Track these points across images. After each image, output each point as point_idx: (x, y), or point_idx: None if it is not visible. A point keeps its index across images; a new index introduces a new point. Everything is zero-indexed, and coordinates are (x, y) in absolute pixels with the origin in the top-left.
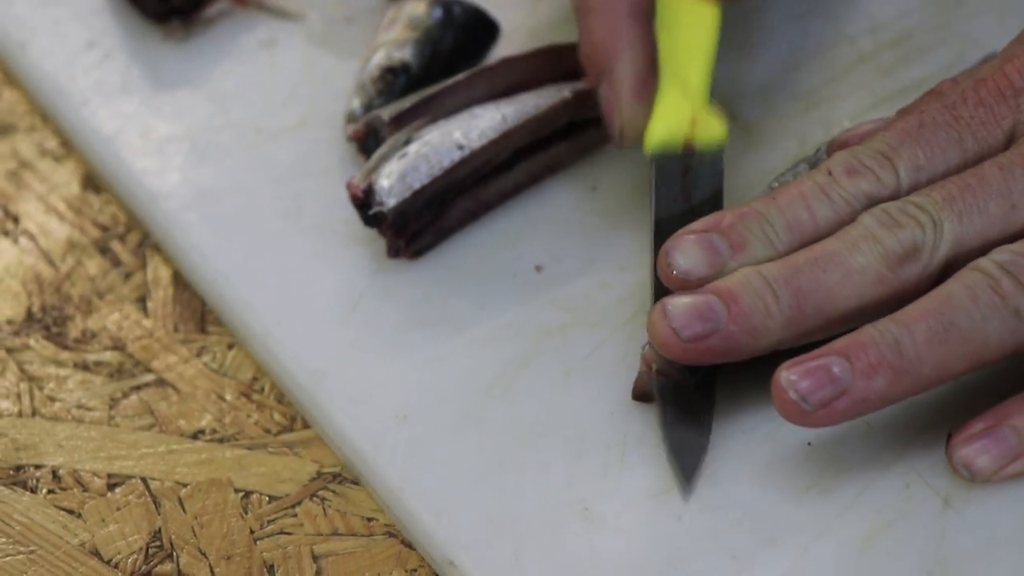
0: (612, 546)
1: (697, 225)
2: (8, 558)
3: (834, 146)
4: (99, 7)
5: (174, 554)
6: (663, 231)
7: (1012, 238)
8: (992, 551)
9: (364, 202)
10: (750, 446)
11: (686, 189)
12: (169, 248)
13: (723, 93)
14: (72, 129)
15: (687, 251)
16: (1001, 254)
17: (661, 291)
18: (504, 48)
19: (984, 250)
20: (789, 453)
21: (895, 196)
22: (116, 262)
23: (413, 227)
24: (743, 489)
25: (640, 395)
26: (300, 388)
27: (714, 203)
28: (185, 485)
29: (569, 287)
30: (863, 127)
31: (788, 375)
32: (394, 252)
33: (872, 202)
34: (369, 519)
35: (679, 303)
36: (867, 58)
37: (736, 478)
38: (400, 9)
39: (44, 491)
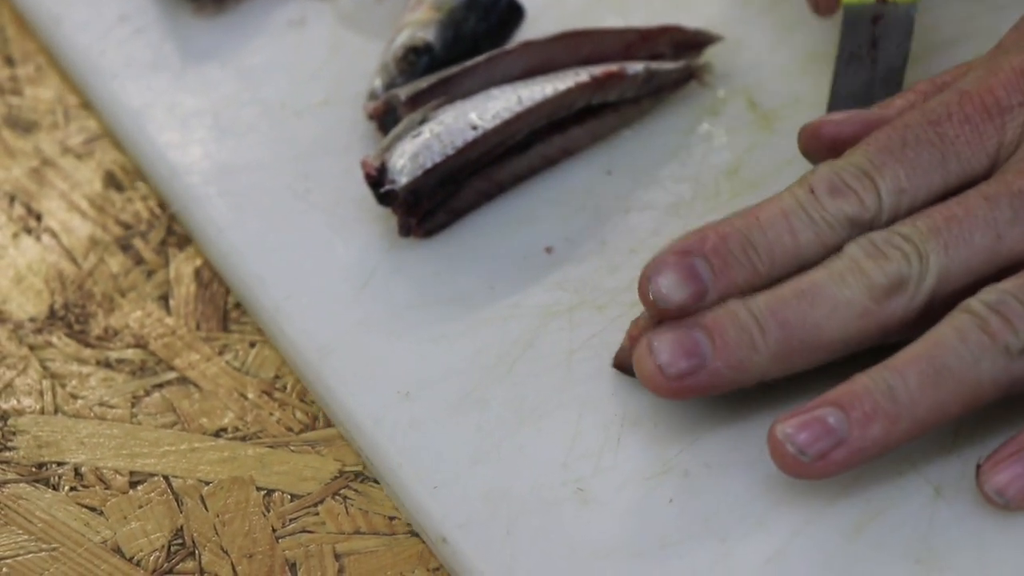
0: (604, 526)
1: (679, 245)
2: (30, 555)
3: (806, 134)
4: None
5: (196, 552)
6: (842, 76)
7: (997, 269)
8: (981, 542)
9: (377, 180)
10: (743, 431)
11: (873, 37)
12: (187, 222)
13: (744, 81)
14: (100, 102)
15: (668, 278)
16: (989, 294)
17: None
18: (530, 31)
19: (969, 281)
20: None
21: (876, 219)
22: (138, 260)
23: (425, 206)
24: (735, 473)
25: (620, 366)
26: (306, 363)
27: (899, 54)
28: (207, 483)
29: (579, 269)
30: (836, 117)
31: (784, 428)
32: (405, 231)
33: (854, 225)
34: (391, 518)
35: (664, 339)
36: None
37: (728, 463)
38: None
39: (66, 488)
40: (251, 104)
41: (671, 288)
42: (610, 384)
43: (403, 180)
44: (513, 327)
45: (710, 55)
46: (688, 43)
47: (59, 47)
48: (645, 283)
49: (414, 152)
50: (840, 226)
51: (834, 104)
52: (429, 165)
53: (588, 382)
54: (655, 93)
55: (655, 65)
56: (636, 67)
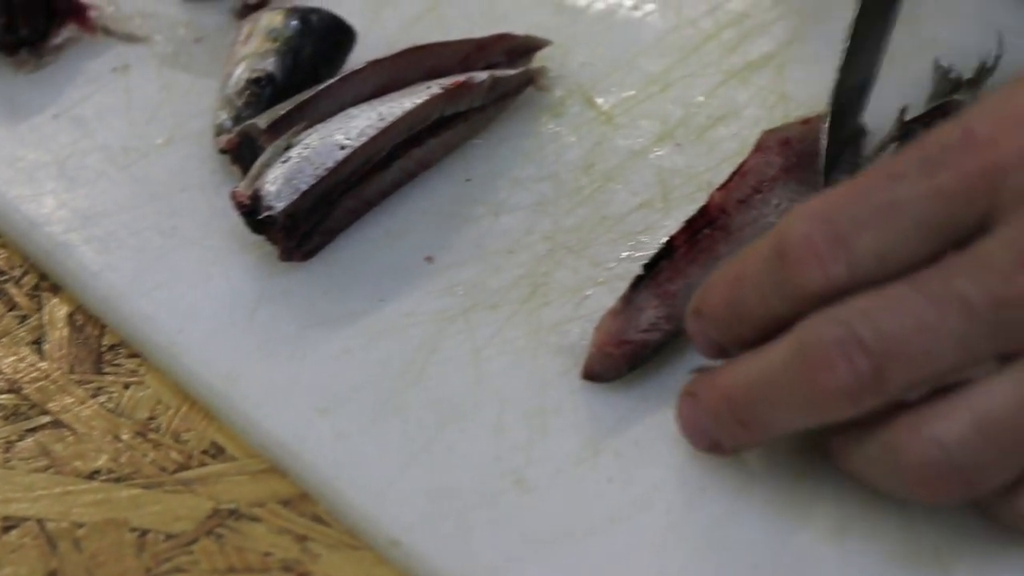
0: (551, 511)
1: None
2: None
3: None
4: None
5: None
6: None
7: None
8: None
9: (252, 209)
10: (664, 406)
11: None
12: (58, 273)
13: (578, 81)
14: None
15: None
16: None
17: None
18: (358, 53)
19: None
20: None
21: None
22: (11, 305)
23: (302, 229)
24: (665, 447)
25: (590, 375)
26: (213, 392)
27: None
28: (81, 525)
29: (463, 274)
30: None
31: None
32: (287, 255)
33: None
34: (266, 554)
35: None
36: (710, 37)
37: (656, 438)
38: (256, 23)
39: None
40: (94, 152)
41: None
42: (522, 378)
43: (280, 205)
44: (413, 335)
45: (542, 59)
46: (520, 49)
47: None
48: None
49: (287, 176)
50: (804, 300)
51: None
52: (304, 187)
53: (500, 378)
54: (499, 100)
55: (499, 73)
56: (482, 76)
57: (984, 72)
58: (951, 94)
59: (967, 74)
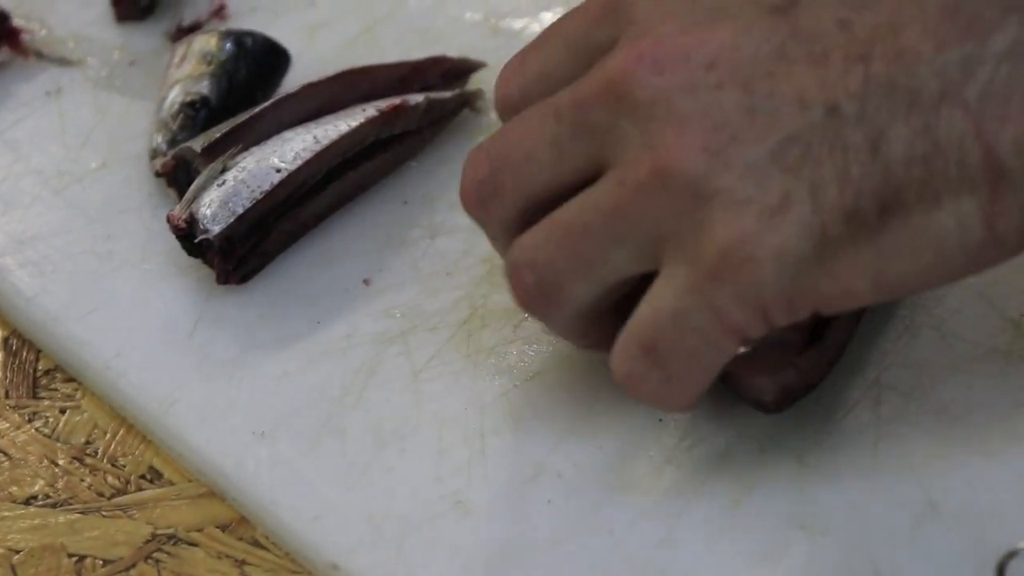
0: (492, 533)
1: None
2: None
3: None
4: None
5: None
6: None
7: None
8: (852, 502)
9: (188, 232)
10: (603, 428)
11: None
12: None
13: None
14: None
15: None
16: None
17: None
18: (293, 76)
19: None
20: (641, 431)
21: None
22: None
23: (239, 252)
24: (605, 468)
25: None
26: (150, 416)
27: None
28: (18, 551)
29: (401, 296)
30: None
31: None
32: (223, 278)
33: None
34: None
35: None
36: None
37: (596, 460)
38: (190, 45)
39: None
40: (28, 175)
41: None
42: (462, 400)
43: (216, 228)
44: (352, 357)
45: (477, 82)
46: (455, 72)
47: None
48: None
49: (223, 199)
50: None
51: None
52: (240, 211)
53: (439, 400)
54: (435, 123)
55: (434, 95)
56: (417, 98)
57: None
58: None
59: None
